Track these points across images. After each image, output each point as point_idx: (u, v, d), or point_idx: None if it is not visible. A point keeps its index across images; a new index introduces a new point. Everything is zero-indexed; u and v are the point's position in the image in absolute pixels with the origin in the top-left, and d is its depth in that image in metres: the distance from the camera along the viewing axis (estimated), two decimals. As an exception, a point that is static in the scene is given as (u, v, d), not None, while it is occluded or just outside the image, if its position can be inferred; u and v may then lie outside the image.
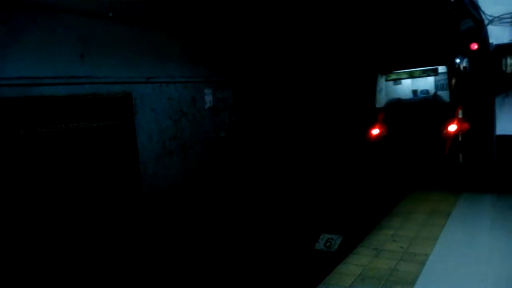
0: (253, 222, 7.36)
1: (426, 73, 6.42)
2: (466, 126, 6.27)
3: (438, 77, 6.49)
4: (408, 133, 6.46)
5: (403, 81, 6.87)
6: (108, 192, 6.37)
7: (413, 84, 6.77)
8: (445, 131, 6.29)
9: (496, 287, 3.78)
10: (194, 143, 8.20)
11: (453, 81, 6.18)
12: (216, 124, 8.82)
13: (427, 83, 6.67)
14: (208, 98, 8.52)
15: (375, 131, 6.59)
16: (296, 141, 10.15)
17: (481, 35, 5.92)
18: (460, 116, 6.14)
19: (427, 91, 6.51)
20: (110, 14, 6.00)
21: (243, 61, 9.57)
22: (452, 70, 6.19)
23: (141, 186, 6.98)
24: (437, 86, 6.45)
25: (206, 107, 8.50)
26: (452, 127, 6.27)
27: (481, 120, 6.37)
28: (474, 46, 5.85)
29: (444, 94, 6.41)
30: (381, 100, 6.71)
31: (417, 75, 6.41)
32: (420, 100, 6.51)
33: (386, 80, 6.82)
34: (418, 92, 6.60)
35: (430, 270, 4.21)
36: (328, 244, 6.79)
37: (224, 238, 6.77)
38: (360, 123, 6.97)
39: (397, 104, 6.68)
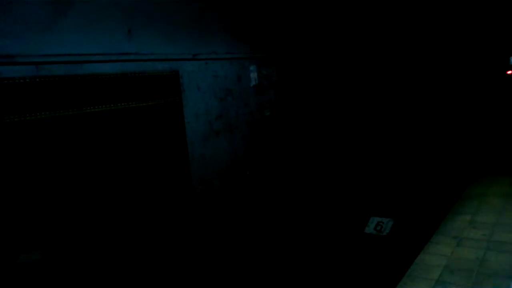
0: (300, 205, 7.05)
1: None
2: None
3: None
4: None
5: None
6: (157, 173, 6.13)
7: None
8: None
9: None
10: (240, 122, 7.86)
11: None
12: (261, 103, 8.45)
13: None
14: (253, 75, 8.14)
15: (509, 72, 9.25)
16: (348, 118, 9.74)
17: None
18: None
19: None
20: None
21: (289, 35, 9.11)
22: None
23: (189, 168, 6.73)
24: None
25: (251, 85, 8.12)
26: None
27: None
28: None
29: None
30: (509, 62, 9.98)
31: None
32: None
33: None
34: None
35: (525, 261, 3.79)
36: (378, 227, 6.43)
37: (274, 223, 6.49)
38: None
39: None
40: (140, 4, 5.92)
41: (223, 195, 7.26)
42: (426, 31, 9.54)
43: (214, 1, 7.17)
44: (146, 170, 5.93)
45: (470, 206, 5.34)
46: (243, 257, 6.31)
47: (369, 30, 9.58)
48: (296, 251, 5.64)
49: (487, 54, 9.50)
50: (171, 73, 6.35)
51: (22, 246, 4.29)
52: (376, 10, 9.46)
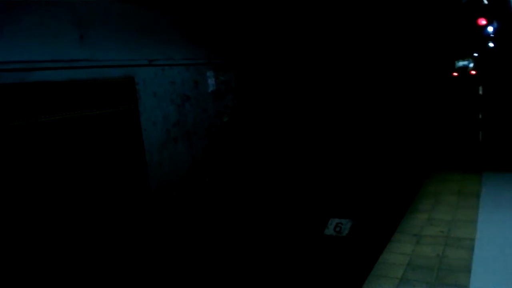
0: (260, 210, 7.04)
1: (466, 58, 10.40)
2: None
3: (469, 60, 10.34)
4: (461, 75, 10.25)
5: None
6: (113, 183, 5.92)
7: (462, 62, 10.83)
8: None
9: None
10: (198, 128, 7.75)
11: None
12: (219, 109, 8.36)
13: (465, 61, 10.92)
14: (211, 81, 8.05)
15: (455, 74, 9.96)
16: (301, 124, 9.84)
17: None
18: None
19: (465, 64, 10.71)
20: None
21: (245, 40, 9.10)
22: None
23: (147, 176, 6.54)
24: (469, 63, 10.35)
25: (209, 90, 8.02)
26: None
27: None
28: None
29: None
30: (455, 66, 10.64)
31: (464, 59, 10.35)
32: (464, 66, 10.21)
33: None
34: (463, 64, 10.66)
35: (481, 256, 3.94)
36: (337, 229, 6.51)
37: (234, 228, 6.43)
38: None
39: (458, 67, 10.26)
40: (93, 10, 5.70)
41: (182, 201, 7.11)
42: (379, 39, 9.84)
43: (170, 8, 7.05)
44: (103, 178, 5.71)
45: (426, 203, 5.52)
46: (199, 257, 6.21)
47: (325, 38, 9.76)
48: (254, 254, 5.60)
49: (435, 59, 9.94)
50: (126, 80, 6.16)
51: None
52: (329, 22, 9.69)
